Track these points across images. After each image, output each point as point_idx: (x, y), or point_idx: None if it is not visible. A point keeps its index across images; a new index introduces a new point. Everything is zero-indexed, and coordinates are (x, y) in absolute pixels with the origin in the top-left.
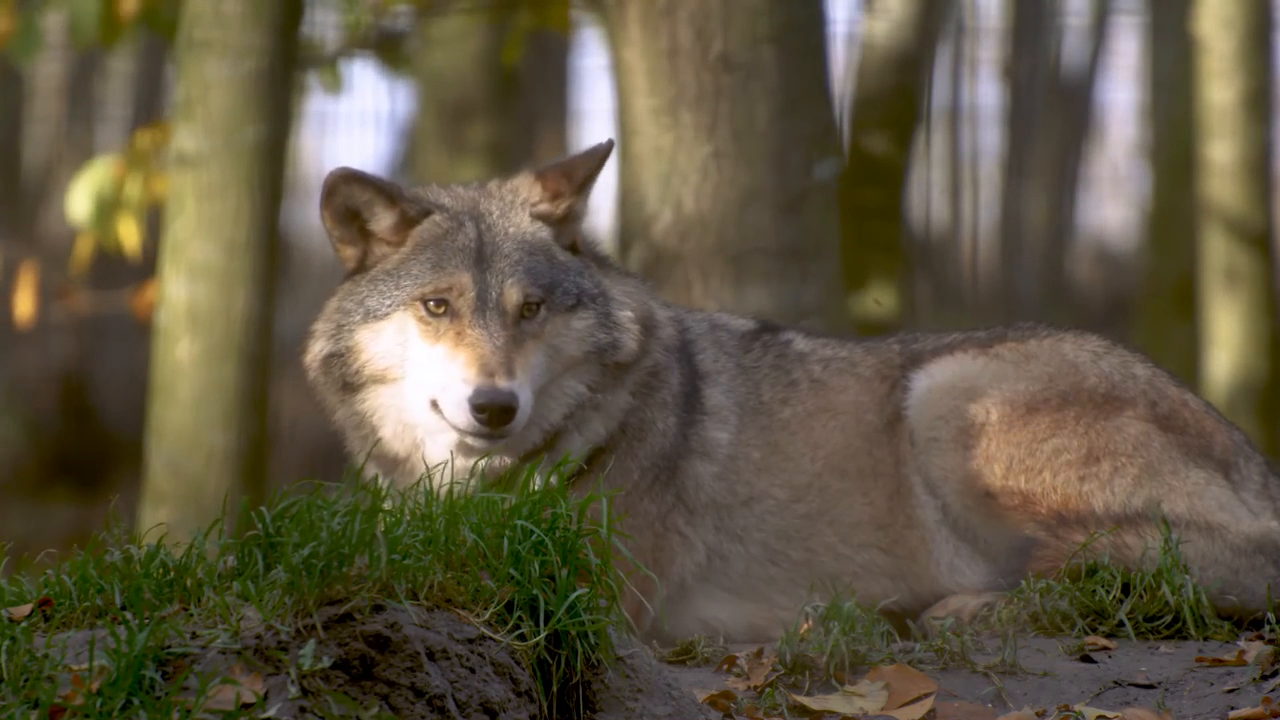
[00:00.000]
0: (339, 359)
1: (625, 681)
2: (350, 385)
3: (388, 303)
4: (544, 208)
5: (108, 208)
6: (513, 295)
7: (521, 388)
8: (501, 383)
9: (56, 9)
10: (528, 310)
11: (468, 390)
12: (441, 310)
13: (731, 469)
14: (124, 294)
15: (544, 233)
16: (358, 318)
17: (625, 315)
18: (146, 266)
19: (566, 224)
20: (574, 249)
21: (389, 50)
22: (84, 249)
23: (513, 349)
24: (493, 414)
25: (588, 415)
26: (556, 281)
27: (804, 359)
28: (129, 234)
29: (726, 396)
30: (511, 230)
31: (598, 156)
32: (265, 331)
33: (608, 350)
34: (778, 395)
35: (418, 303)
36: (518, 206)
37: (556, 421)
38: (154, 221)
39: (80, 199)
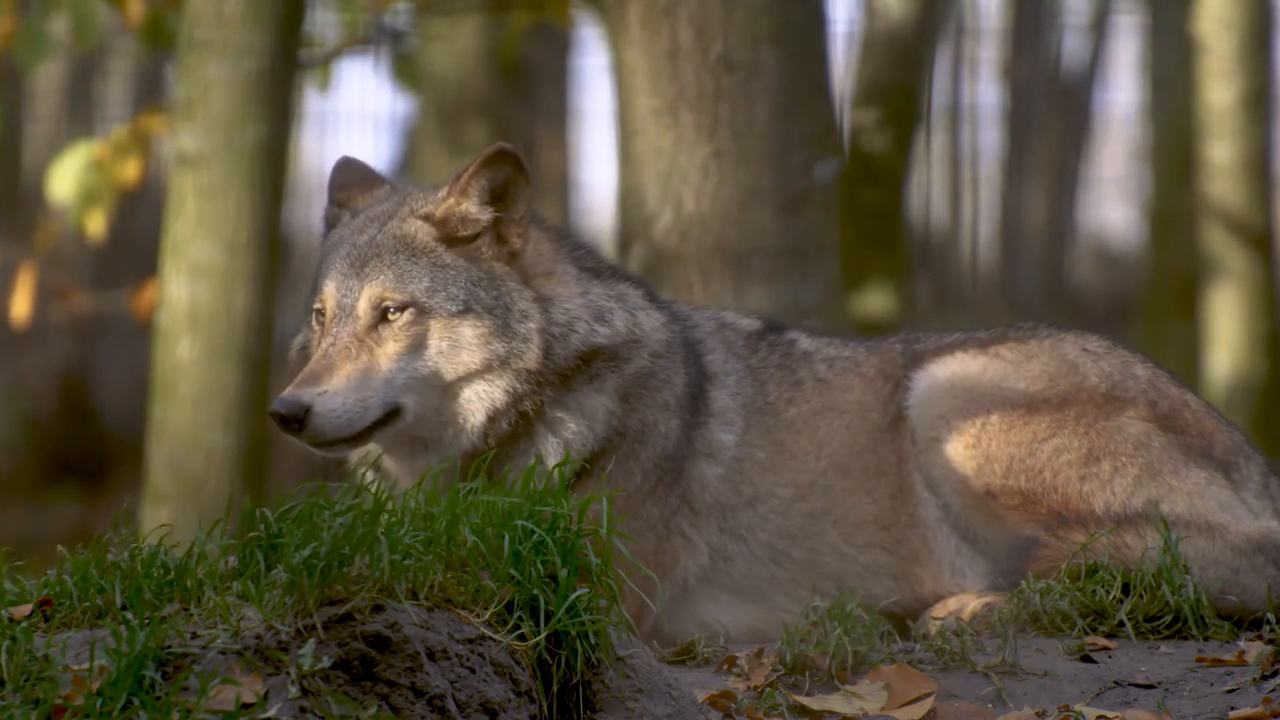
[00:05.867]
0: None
1: (625, 681)
2: None
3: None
4: (424, 209)
5: (93, 191)
6: (364, 301)
7: (328, 396)
8: (303, 391)
9: (62, 11)
10: (390, 314)
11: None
12: (320, 318)
13: (737, 470)
14: (124, 294)
15: (425, 235)
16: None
17: (527, 327)
18: (146, 267)
19: (447, 226)
20: (513, 256)
21: (393, 57)
22: (51, 231)
23: (343, 356)
24: (280, 419)
25: (556, 416)
26: (436, 286)
27: (809, 358)
28: (95, 218)
29: (733, 399)
30: (395, 234)
31: (480, 159)
32: (266, 331)
33: (510, 359)
34: (783, 395)
35: (312, 309)
36: (415, 211)
37: (481, 423)
38: (125, 209)
39: (62, 180)
